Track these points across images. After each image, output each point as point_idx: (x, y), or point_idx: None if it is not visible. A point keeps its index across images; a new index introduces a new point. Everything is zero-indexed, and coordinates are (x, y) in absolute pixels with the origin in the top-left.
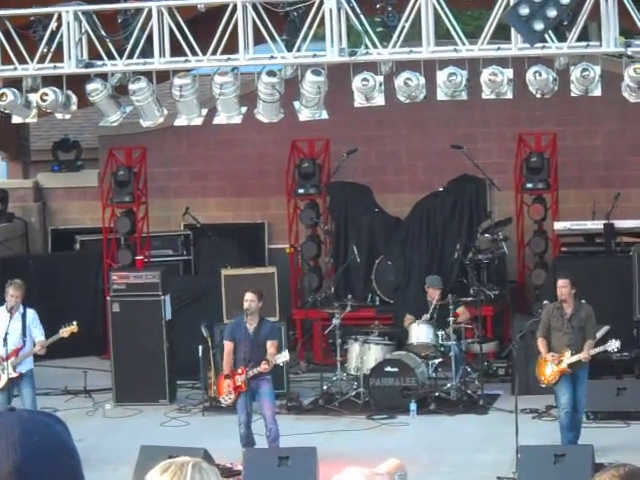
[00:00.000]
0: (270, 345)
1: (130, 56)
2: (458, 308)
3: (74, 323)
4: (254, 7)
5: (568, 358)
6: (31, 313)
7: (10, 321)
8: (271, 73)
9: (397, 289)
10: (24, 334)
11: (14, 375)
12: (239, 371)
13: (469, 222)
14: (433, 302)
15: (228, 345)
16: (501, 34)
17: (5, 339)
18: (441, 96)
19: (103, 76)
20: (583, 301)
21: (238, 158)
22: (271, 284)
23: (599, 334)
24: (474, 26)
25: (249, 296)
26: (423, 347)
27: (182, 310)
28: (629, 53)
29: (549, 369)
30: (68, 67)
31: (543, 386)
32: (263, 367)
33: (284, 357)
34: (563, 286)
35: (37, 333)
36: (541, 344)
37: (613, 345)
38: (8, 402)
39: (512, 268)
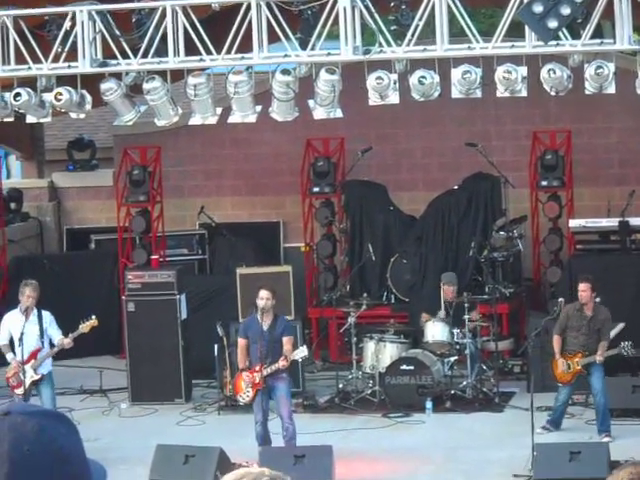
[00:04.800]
0: (287, 341)
1: (144, 55)
2: (472, 312)
3: (93, 317)
4: (268, 6)
5: (582, 360)
6: (47, 315)
7: (25, 323)
8: (285, 72)
9: (412, 287)
10: (42, 336)
11: (36, 377)
12: (256, 368)
13: (484, 220)
14: (448, 300)
15: (241, 342)
16: (515, 32)
17: (21, 339)
18: (455, 94)
19: (117, 75)
20: (597, 299)
21: (253, 157)
22: (286, 283)
23: (614, 332)
24: (488, 24)
25: (265, 294)
26: (439, 345)
27: (197, 309)
28: None
29: (564, 369)
30: (82, 66)
31: (560, 385)
32: (282, 364)
33: (302, 352)
34: (584, 290)
35: (56, 334)
36: (557, 343)
37: (627, 348)
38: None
39: (527, 266)
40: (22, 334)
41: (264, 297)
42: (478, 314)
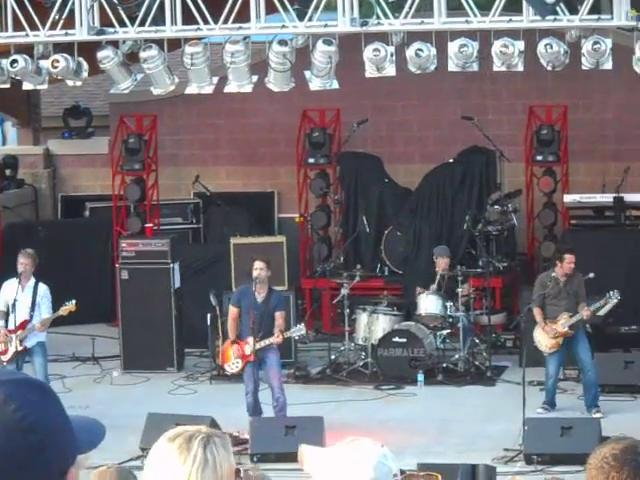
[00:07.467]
0: (279, 316)
1: (142, 24)
2: (464, 286)
3: (73, 302)
4: None
5: (568, 321)
6: (42, 289)
7: (18, 291)
8: (282, 42)
9: (406, 260)
10: (32, 308)
11: (19, 349)
12: (248, 340)
13: (479, 193)
14: (440, 272)
15: (233, 311)
16: (513, 6)
17: (13, 307)
18: (452, 67)
19: (114, 43)
20: (591, 275)
21: (249, 127)
22: (280, 253)
23: (607, 307)
24: None
25: (259, 264)
26: (431, 318)
27: (191, 278)
28: None
29: (551, 334)
30: (79, 34)
31: (546, 354)
32: (277, 340)
33: (300, 331)
34: (573, 262)
35: (43, 309)
36: (538, 314)
37: (613, 296)
38: None
39: (521, 240)
40: (15, 302)
41: (258, 267)
42: (470, 287)
